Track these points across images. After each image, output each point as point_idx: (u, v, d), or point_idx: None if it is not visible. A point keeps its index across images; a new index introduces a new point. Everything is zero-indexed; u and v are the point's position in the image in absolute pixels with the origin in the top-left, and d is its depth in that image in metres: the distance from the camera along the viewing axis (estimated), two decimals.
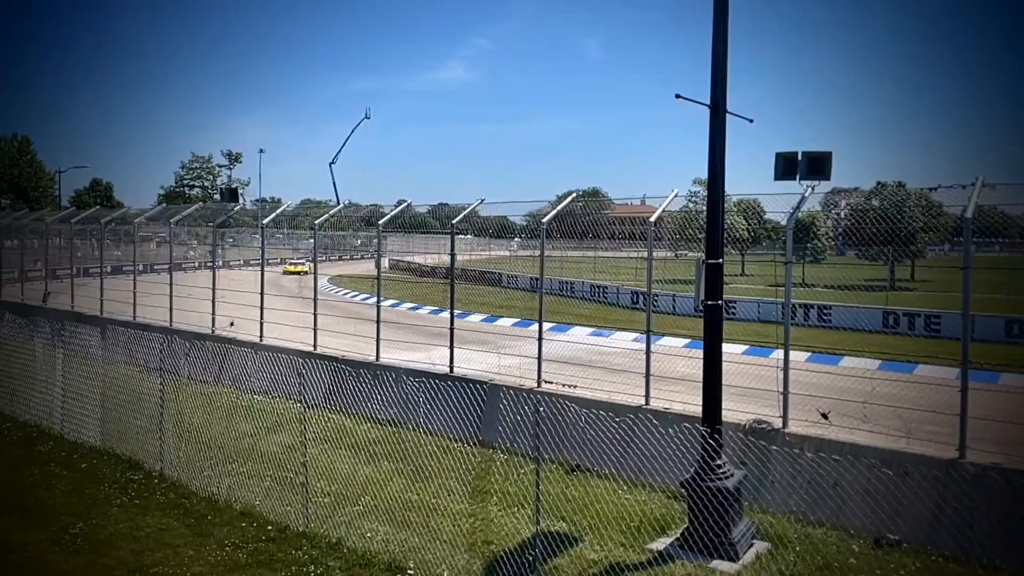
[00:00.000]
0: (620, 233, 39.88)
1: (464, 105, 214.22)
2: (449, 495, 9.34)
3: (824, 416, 10.47)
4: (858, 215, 36.22)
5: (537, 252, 13.43)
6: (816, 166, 10.58)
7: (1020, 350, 20.47)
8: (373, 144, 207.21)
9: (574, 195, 16.07)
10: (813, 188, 10.97)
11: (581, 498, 9.18)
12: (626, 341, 20.44)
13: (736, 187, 12.55)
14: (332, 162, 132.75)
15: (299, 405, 9.22)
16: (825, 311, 24.01)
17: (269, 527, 8.91)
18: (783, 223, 11.61)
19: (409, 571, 7.69)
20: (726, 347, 18.04)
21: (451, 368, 13.74)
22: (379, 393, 12.33)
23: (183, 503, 9.74)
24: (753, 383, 11.29)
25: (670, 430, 9.06)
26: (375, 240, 16.68)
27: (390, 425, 11.07)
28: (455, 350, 13.93)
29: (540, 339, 12.76)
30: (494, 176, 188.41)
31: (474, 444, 9.38)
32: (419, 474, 9.69)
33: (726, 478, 8.16)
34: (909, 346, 18.73)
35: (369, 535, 8.46)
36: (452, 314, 14.11)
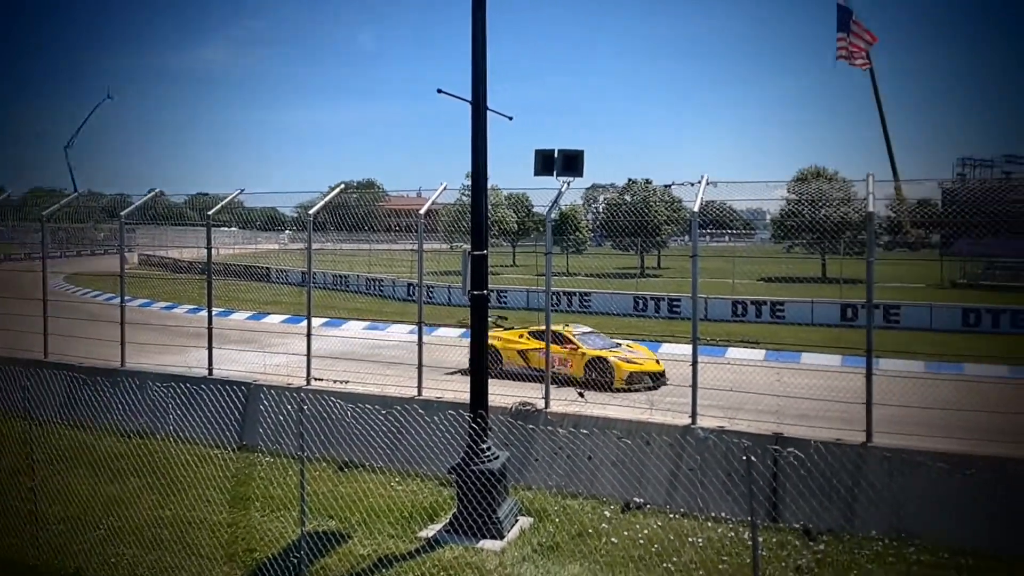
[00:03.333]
0: (396, 225, 39.75)
1: (231, 89, 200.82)
2: (207, 506, 8.73)
3: (580, 395, 11.29)
4: (613, 209, 39.58)
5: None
6: (570, 163, 11.28)
7: (743, 327, 23.60)
8: (123, 128, 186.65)
9: (342, 186, 15.68)
10: (569, 184, 11.68)
11: (352, 494, 9.03)
12: (402, 334, 20.50)
13: (510, 182, 13.11)
14: (67, 146, 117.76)
15: (24, 423, 8.07)
16: (585, 297, 25.92)
17: None
18: (553, 216, 12.20)
19: None
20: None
21: (210, 370, 12.83)
22: (124, 402, 11.17)
23: None
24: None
25: (438, 418, 9.22)
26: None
27: (138, 437, 10.10)
28: (217, 351, 13.03)
29: (309, 335, 12.35)
30: (265, 166, 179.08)
31: (234, 449, 8.85)
32: (173, 487, 8.94)
33: (492, 460, 8.48)
34: (654, 327, 20.81)
35: (114, 560, 7.66)
36: (210, 311, 13.17)
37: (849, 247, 31.49)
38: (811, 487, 8.40)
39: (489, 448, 8.55)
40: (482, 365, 8.83)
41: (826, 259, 34.78)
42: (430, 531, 8.48)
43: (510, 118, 10.31)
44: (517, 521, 8.67)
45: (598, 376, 14.59)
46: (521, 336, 15.97)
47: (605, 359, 14.86)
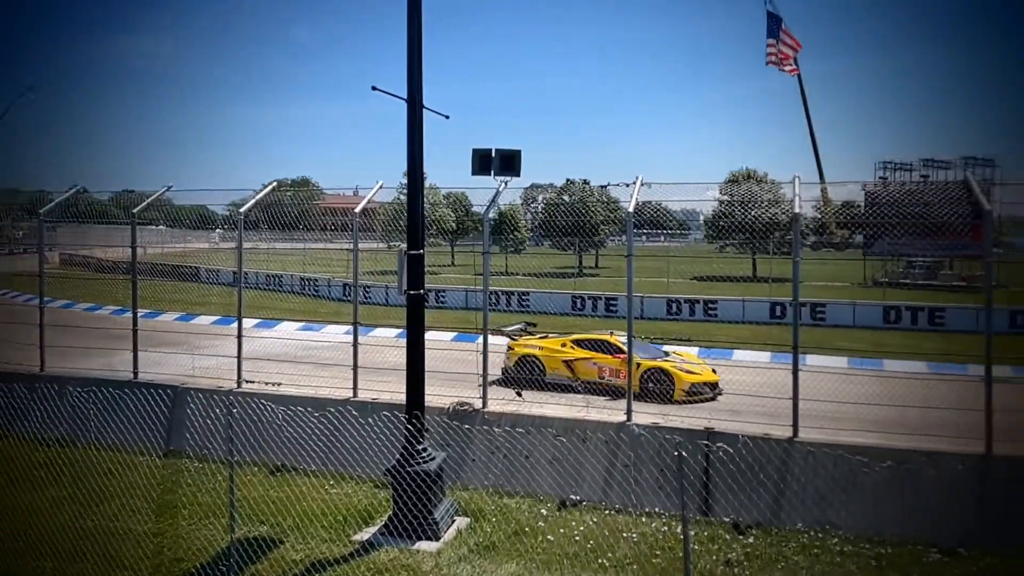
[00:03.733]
0: (332, 224, 39.13)
1: (160, 84, 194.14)
2: (133, 515, 8.41)
3: (518, 394, 11.34)
4: (551, 209, 39.87)
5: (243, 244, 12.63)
6: (508, 163, 11.30)
7: (677, 325, 24.12)
8: (44, 123, 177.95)
9: (274, 183, 15.37)
10: (506, 183, 11.71)
11: (284, 499, 8.85)
12: (337, 334, 20.16)
13: (450, 181, 13.07)
14: None
15: None
16: (524, 297, 26.04)
17: None
18: (491, 215, 12.20)
19: None
20: (437, 335, 18.75)
21: (135, 374, 12.38)
22: (42, 409, 10.67)
23: None
24: (461, 368, 11.79)
25: (373, 419, 9.12)
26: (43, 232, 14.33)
27: (58, 445, 9.66)
28: (143, 353, 12.59)
29: (240, 336, 12.04)
30: (196, 163, 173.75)
31: (160, 456, 8.55)
32: (95, 496, 8.57)
33: (428, 461, 8.43)
34: (592, 326, 21.05)
35: (33, 574, 7.30)
36: (135, 312, 12.72)
37: (778, 247, 32.50)
38: (739, 482, 8.64)
39: (425, 449, 8.51)
40: (418, 366, 8.78)
41: (756, 258, 35.81)
42: (365, 534, 8.38)
43: (446, 117, 10.29)
44: (454, 521, 8.65)
45: (655, 387, 13.69)
46: (564, 345, 14.90)
47: (664, 370, 13.95)
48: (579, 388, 13.54)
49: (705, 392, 13.80)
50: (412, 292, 8.89)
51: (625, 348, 13.83)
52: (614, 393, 13.46)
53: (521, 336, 15.62)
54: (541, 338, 15.53)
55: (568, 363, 14.44)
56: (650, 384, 13.70)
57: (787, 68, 64.71)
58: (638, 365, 13.79)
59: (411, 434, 8.32)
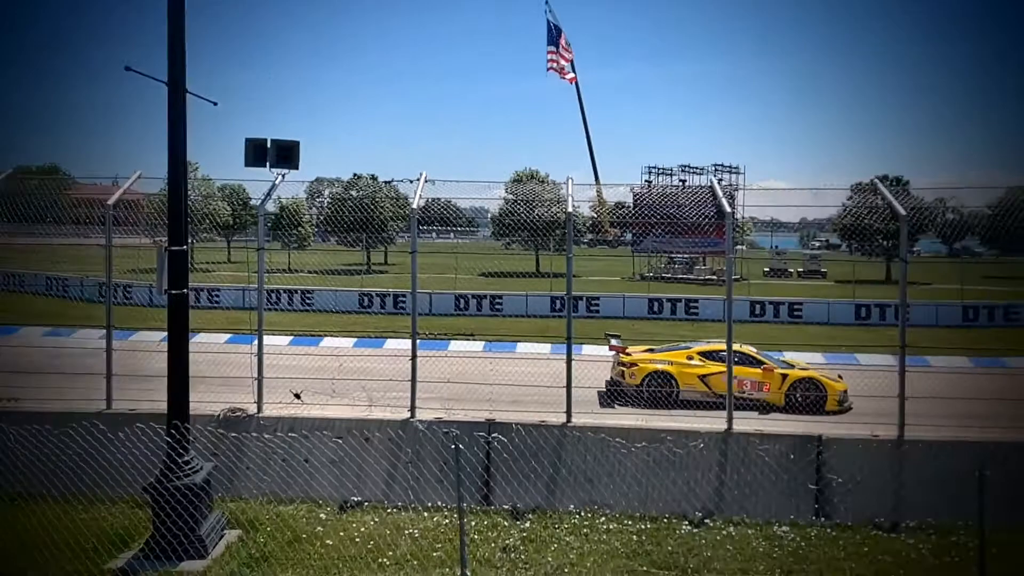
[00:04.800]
0: (87, 217, 34.97)
1: None
2: None
3: (297, 396, 10.89)
4: (338, 204, 38.84)
5: None
6: (285, 154, 10.86)
7: (465, 321, 24.60)
8: None
9: (10, 171, 13.42)
10: (284, 176, 11.21)
11: (24, 530, 7.74)
12: (91, 339, 18.09)
13: (230, 173, 12.16)
14: None
15: None
16: (307, 295, 25.14)
17: None
18: (270, 209, 11.59)
19: None
20: (209, 336, 17.49)
21: None
22: None
23: None
24: (235, 371, 11.06)
25: (129, 432, 8.29)
26: None
27: None
28: None
29: None
30: None
31: None
32: None
33: (193, 473, 7.80)
34: (378, 323, 20.84)
35: None
36: None
37: (558, 244, 34.34)
38: (515, 469, 9.00)
39: (189, 461, 7.87)
40: (182, 370, 8.09)
41: (539, 255, 37.56)
42: (121, 560, 7.56)
43: (214, 103, 9.71)
44: (223, 535, 8.09)
45: (803, 398, 13.10)
46: (690, 358, 13.91)
47: (815, 380, 13.38)
48: (719, 404, 11.87)
49: (849, 401, 13.17)
50: (174, 291, 8.19)
51: (762, 359, 13.73)
52: (761, 408, 13.07)
53: (620, 347, 14.38)
54: (648, 351, 14.61)
55: (703, 378, 13.51)
56: (797, 395, 13.22)
57: (567, 76, 68.72)
58: (785, 376, 13.48)
59: (171, 445, 7.65)
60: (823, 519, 9.07)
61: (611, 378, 14.20)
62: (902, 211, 10.19)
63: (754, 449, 9.44)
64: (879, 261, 41.32)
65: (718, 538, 8.32)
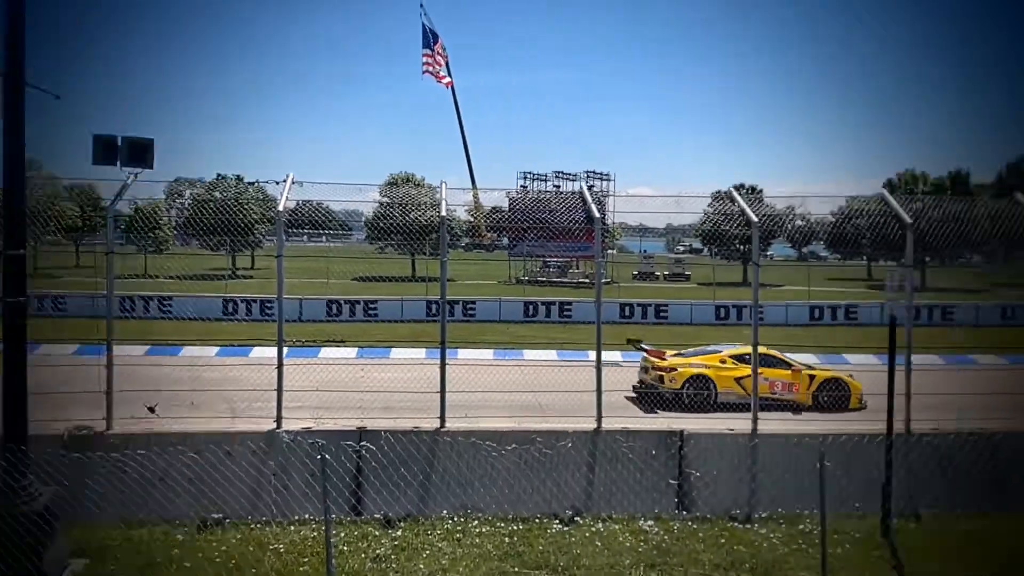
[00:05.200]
0: None
1: None
2: None
3: (151, 410, 10.24)
4: (200, 206, 36.83)
5: None
6: (138, 152, 10.30)
7: (337, 326, 24.05)
8: None
9: None
10: (136, 175, 10.60)
11: None
12: None
13: (77, 171, 11.26)
14: None
15: None
16: (165, 302, 23.66)
17: None
18: (123, 211, 10.84)
19: None
20: (56, 347, 16.10)
21: None
22: None
23: None
24: (84, 386, 10.17)
25: None
26: None
27: None
28: None
29: None
30: None
31: None
32: None
33: (32, 500, 7.16)
34: (243, 331, 19.95)
35: None
36: None
37: (434, 248, 34.16)
38: (386, 478, 8.88)
39: (27, 486, 7.21)
40: (19, 387, 7.41)
41: (415, 259, 37.29)
42: None
43: (57, 96, 9.14)
44: (68, 565, 7.47)
45: (828, 399, 13.59)
46: (723, 361, 14.11)
47: (840, 379, 13.87)
48: (747, 405, 11.74)
49: (865, 400, 13.61)
50: (10, 300, 7.51)
51: (790, 361, 14.10)
52: (793, 408, 13.51)
53: (657, 352, 14.65)
54: (678, 355, 14.77)
55: (739, 380, 13.64)
56: (823, 395, 13.72)
57: (443, 80, 68.79)
58: (812, 376, 13.95)
59: (7, 470, 6.98)
60: (684, 512, 9.54)
61: (641, 381, 14.65)
62: (754, 218, 10.90)
63: (619, 447, 9.79)
64: (736, 264, 44.12)
65: (587, 535, 8.56)
